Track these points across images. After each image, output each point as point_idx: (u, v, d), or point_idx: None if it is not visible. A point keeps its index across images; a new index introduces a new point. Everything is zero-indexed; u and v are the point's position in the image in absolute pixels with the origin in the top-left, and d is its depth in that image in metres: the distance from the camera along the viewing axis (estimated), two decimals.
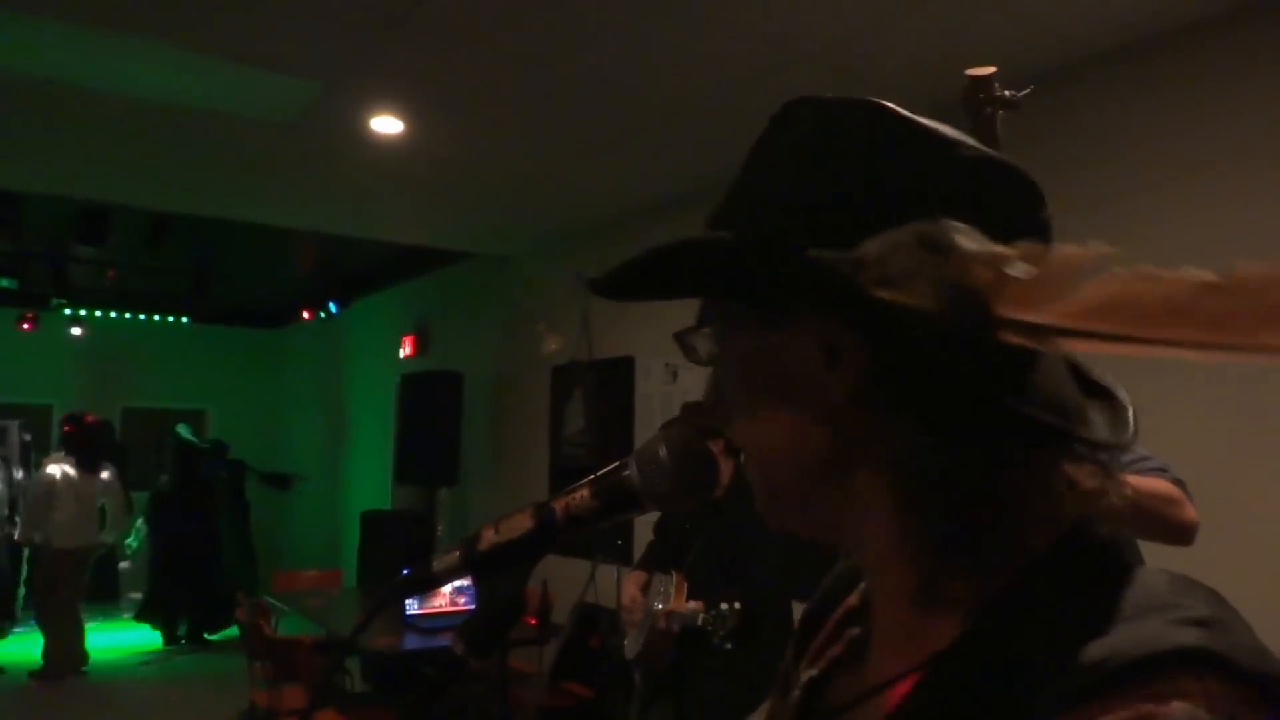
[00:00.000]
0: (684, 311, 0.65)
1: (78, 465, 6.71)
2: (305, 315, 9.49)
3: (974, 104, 1.42)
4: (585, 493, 0.62)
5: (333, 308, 9.05)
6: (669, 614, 2.65)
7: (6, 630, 7.10)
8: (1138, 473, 1.67)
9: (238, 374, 10.93)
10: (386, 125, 3.98)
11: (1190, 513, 1.67)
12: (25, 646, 6.80)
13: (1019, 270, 0.47)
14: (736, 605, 2.34)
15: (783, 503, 0.60)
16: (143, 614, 8.03)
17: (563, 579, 4.36)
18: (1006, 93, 1.41)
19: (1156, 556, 1.33)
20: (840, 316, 0.53)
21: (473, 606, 0.64)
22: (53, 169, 4.88)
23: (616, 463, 0.62)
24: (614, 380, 5.38)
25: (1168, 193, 2.91)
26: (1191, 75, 2.88)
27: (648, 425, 5.10)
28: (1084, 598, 0.48)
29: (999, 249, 0.48)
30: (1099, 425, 0.55)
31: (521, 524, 0.62)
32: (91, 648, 6.98)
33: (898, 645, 0.55)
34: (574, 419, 5.78)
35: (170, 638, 7.77)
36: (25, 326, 9.21)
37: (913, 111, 0.56)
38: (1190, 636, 0.43)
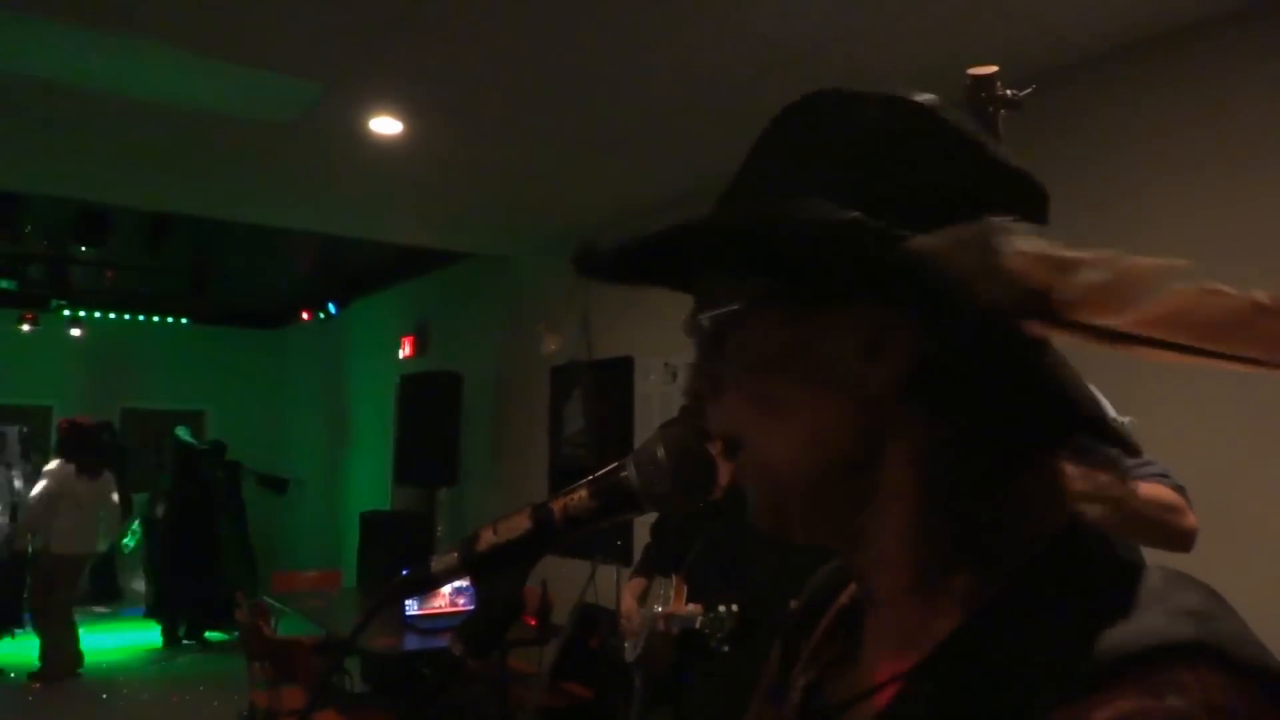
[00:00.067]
0: (684, 311, 0.64)
1: (78, 470, 6.70)
2: (305, 316, 9.50)
3: (976, 103, 1.42)
4: (583, 493, 0.61)
5: (332, 308, 9.06)
6: (668, 617, 2.65)
7: (12, 632, 7.10)
8: (1138, 478, 1.66)
9: (237, 375, 10.93)
10: (386, 126, 3.98)
11: (1190, 520, 1.66)
12: (26, 649, 6.80)
13: (1092, 275, 0.47)
14: (734, 608, 2.34)
15: (791, 504, 0.58)
16: (152, 613, 8.03)
17: (562, 579, 4.36)
18: (1008, 92, 1.41)
19: (1156, 555, 1.33)
20: (897, 305, 0.52)
21: (472, 607, 0.63)
22: (53, 170, 4.88)
23: (615, 463, 0.62)
24: (613, 380, 5.38)
25: (1167, 193, 2.91)
26: (1191, 75, 2.88)
27: (647, 426, 5.10)
28: (1080, 594, 0.48)
29: (1069, 252, 0.48)
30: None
31: (520, 525, 0.62)
32: (91, 648, 6.98)
33: (897, 644, 0.55)
34: (573, 419, 5.78)
35: (170, 638, 7.78)
36: (25, 327, 9.22)
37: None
38: (1185, 629, 0.44)
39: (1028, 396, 0.51)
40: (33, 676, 6.52)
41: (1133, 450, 0.55)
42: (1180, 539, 1.65)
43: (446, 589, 4.50)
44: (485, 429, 6.77)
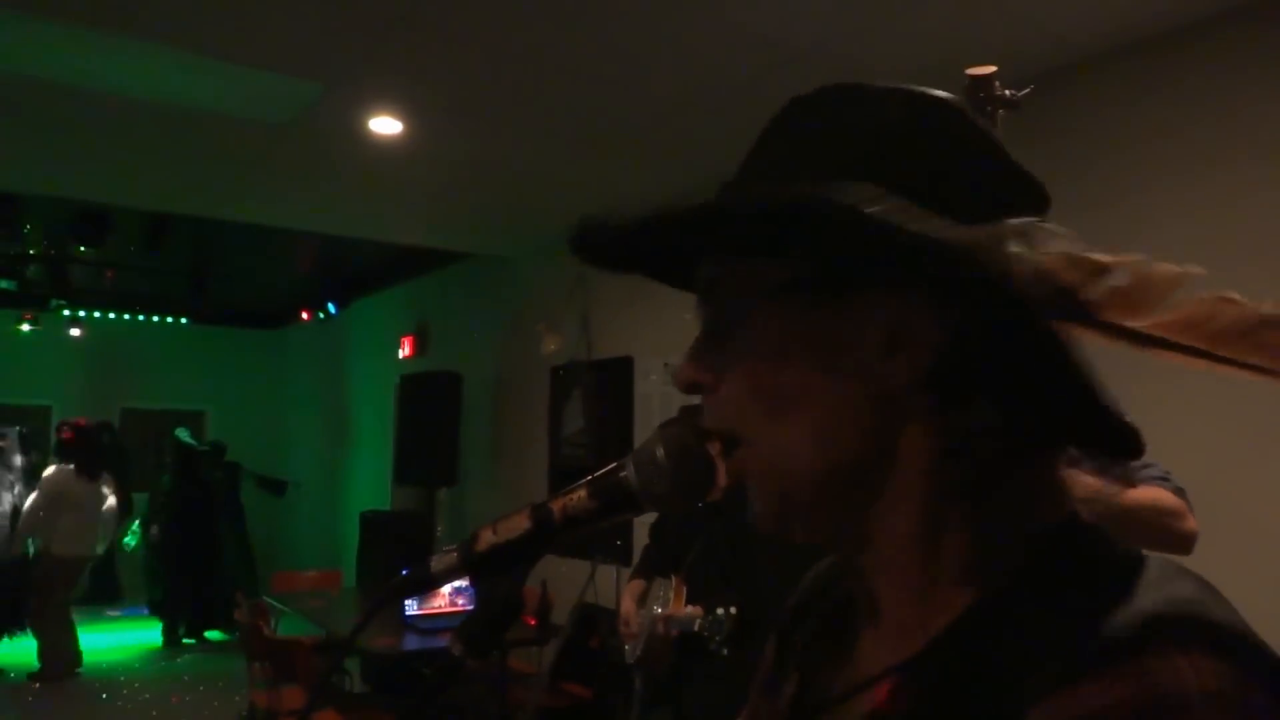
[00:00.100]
0: (684, 311, 0.64)
1: (77, 472, 6.70)
2: (304, 316, 9.49)
3: (975, 103, 1.42)
4: (583, 493, 0.61)
5: (332, 308, 9.06)
6: (667, 619, 2.65)
7: (12, 633, 7.10)
8: (1139, 481, 1.66)
9: (237, 375, 10.94)
10: (386, 126, 3.98)
11: (1190, 524, 1.66)
12: (25, 649, 6.80)
13: (1121, 278, 0.49)
14: (732, 611, 2.34)
15: (798, 504, 0.56)
16: (156, 609, 8.03)
17: (562, 579, 4.36)
18: (1007, 92, 1.41)
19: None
20: (925, 296, 0.51)
21: (471, 607, 0.63)
22: (52, 170, 4.88)
23: (614, 463, 0.62)
24: (613, 381, 5.38)
25: (1168, 193, 2.91)
26: (1191, 75, 2.88)
27: (647, 426, 5.10)
28: (1077, 585, 0.49)
29: (1102, 256, 0.50)
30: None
31: (519, 525, 0.62)
32: (91, 648, 6.99)
33: (894, 638, 0.55)
34: (573, 419, 5.78)
35: (170, 638, 7.78)
36: (25, 327, 9.22)
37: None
38: (1177, 614, 0.44)
39: (1058, 393, 0.51)
40: (32, 677, 6.52)
41: (1138, 451, 0.55)
42: (1179, 543, 1.65)
43: (446, 589, 4.50)
44: (485, 429, 6.77)
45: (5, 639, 6.93)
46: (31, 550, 6.59)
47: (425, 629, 4.45)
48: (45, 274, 8.24)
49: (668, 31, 3.06)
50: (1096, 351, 0.51)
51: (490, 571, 0.62)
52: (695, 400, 0.61)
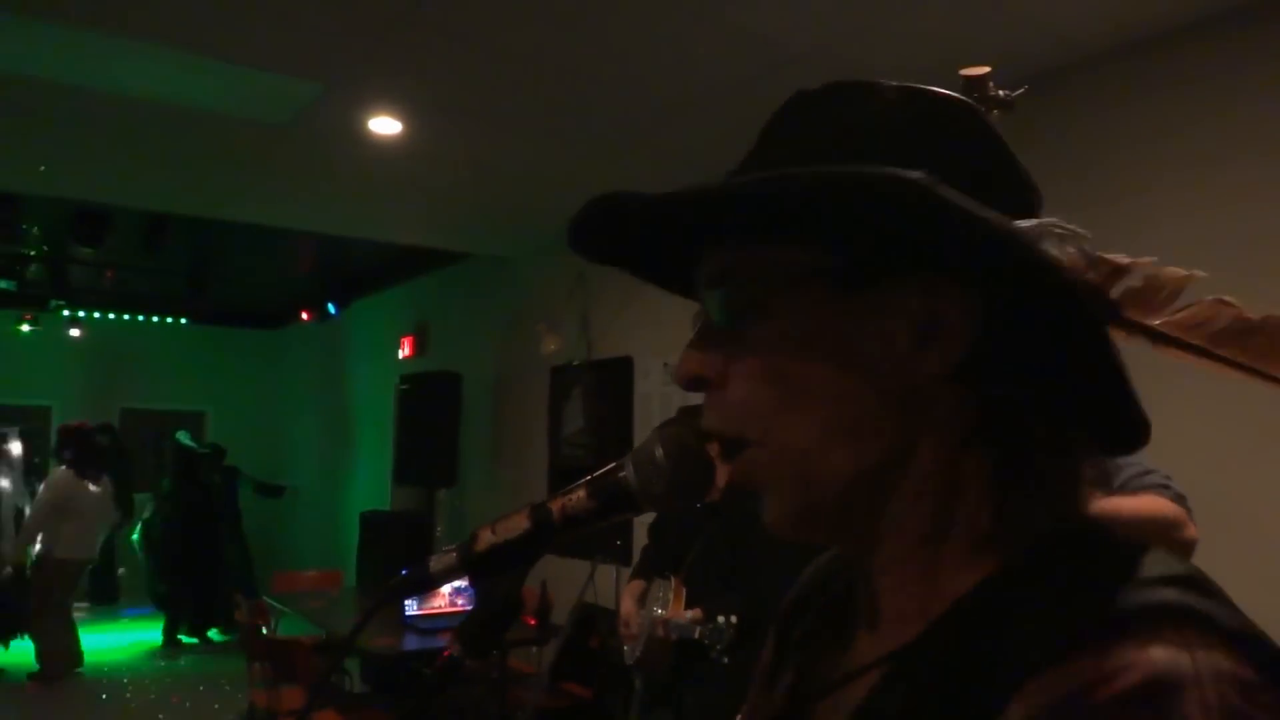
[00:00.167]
0: (684, 311, 0.63)
1: (80, 475, 6.70)
2: (304, 316, 9.49)
3: None
4: (582, 493, 0.61)
5: (332, 309, 9.05)
6: (666, 622, 2.65)
7: (19, 635, 7.10)
8: (1139, 489, 1.65)
9: (237, 375, 10.93)
10: (386, 126, 3.98)
11: (1190, 532, 1.65)
12: (25, 650, 6.81)
13: (1135, 279, 0.52)
14: (733, 620, 2.33)
15: (824, 505, 0.54)
16: (160, 604, 8.02)
17: (562, 579, 4.36)
18: (1001, 92, 1.41)
19: None
20: (962, 285, 0.50)
21: (471, 607, 0.63)
22: (52, 170, 4.88)
23: (613, 463, 0.62)
24: (613, 381, 5.38)
25: (1168, 192, 2.91)
26: (1191, 75, 2.88)
27: (646, 426, 5.09)
28: (1074, 572, 0.49)
29: (1120, 258, 0.52)
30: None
31: (518, 525, 0.61)
32: (91, 648, 6.98)
33: (894, 629, 0.55)
34: (573, 419, 5.78)
35: (170, 638, 7.78)
36: (24, 327, 9.21)
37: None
38: (1170, 594, 0.45)
39: (1094, 381, 0.52)
40: (31, 677, 6.52)
41: (1145, 441, 0.55)
42: (1180, 552, 1.64)
43: (446, 589, 4.50)
44: (485, 429, 6.77)
45: (11, 642, 6.93)
46: (33, 554, 6.60)
47: (425, 629, 4.45)
48: (45, 274, 8.24)
49: (667, 32, 3.06)
50: None
51: (489, 571, 0.62)
52: (694, 400, 0.60)
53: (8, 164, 4.79)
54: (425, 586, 0.65)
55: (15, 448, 8.09)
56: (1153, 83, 2.98)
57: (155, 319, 10.33)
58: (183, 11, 3.00)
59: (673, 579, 2.79)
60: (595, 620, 4.49)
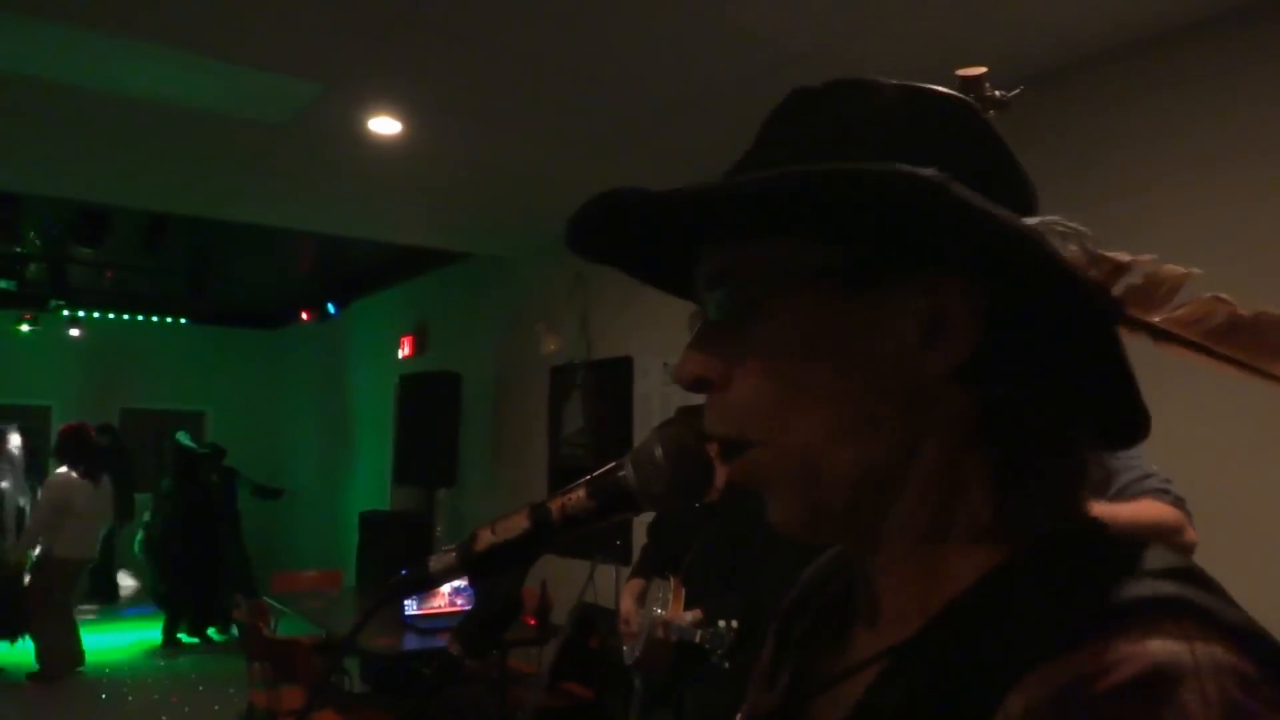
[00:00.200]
0: (684, 311, 0.63)
1: (81, 476, 6.70)
2: (304, 316, 9.49)
3: None
4: (581, 493, 0.61)
5: (331, 309, 9.05)
6: (666, 624, 2.64)
7: (22, 635, 7.10)
8: (1138, 494, 1.65)
9: (236, 375, 10.93)
10: (385, 126, 3.98)
11: (1189, 537, 1.65)
12: (25, 649, 6.80)
13: (1136, 276, 0.53)
14: (734, 624, 2.33)
15: (833, 504, 0.54)
16: (161, 603, 8.02)
17: (562, 579, 4.36)
18: (997, 93, 1.41)
19: None
20: (970, 282, 0.50)
21: (470, 607, 0.63)
22: (51, 170, 4.88)
23: (613, 463, 0.62)
24: (612, 380, 5.38)
25: (1167, 192, 2.91)
26: (1191, 75, 2.88)
27: (646, 425, 5.09)
28: (1073, 568, 0.49)
29: (1122, 255, 0.53)
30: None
31: (518, 524, 0.61)
32: (91, 648, 6.98)
33: (894, 626, 0.55)
34: (572, 419, 5.78)
35: (170, 638, 7.78)
36: (24, 327, 9.22)
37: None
38: (1169, 587, 0.45)
39: (1099, 376, 0.52)
40: (31, 677, 6.51)
41: (1146, 434, 0.56)
42: None
43: (445, 589, 4.50)
44: (484, 429, 6.77)
45: (17, 641, 6.93)
46: (33, 555, 6.60)
47: (425, 629, 4.44)
48: (45, 274, 8.24)
49: (668, 32, 3.06)
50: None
51: (489, 571, 0.62)
52: (693, 401, 0.60)
53: (8, 164, 4.79)
54: (425, 586, 0.65)
55: (15, 444, 8.07)
56: (1153, 83, 2.98)
57: (155, 319, 10.33)
58: (183, 11, 3.00)
59: (671, 579, 2.79)
60: (595, 620, 4.49)
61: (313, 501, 9.85)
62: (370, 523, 7.01)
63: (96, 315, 9.87)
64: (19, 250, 7.50)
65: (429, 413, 6.84)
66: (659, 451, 0.60)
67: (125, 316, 10.15)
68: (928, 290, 0.51)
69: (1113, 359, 0.51)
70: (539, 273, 6.20)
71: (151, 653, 7.58)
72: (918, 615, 0.53)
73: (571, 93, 3.60)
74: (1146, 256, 0.52)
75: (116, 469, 7.43)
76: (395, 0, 2.89)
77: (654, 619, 2.76)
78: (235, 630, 6.41)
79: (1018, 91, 1.40)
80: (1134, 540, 0.50)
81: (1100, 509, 0.57)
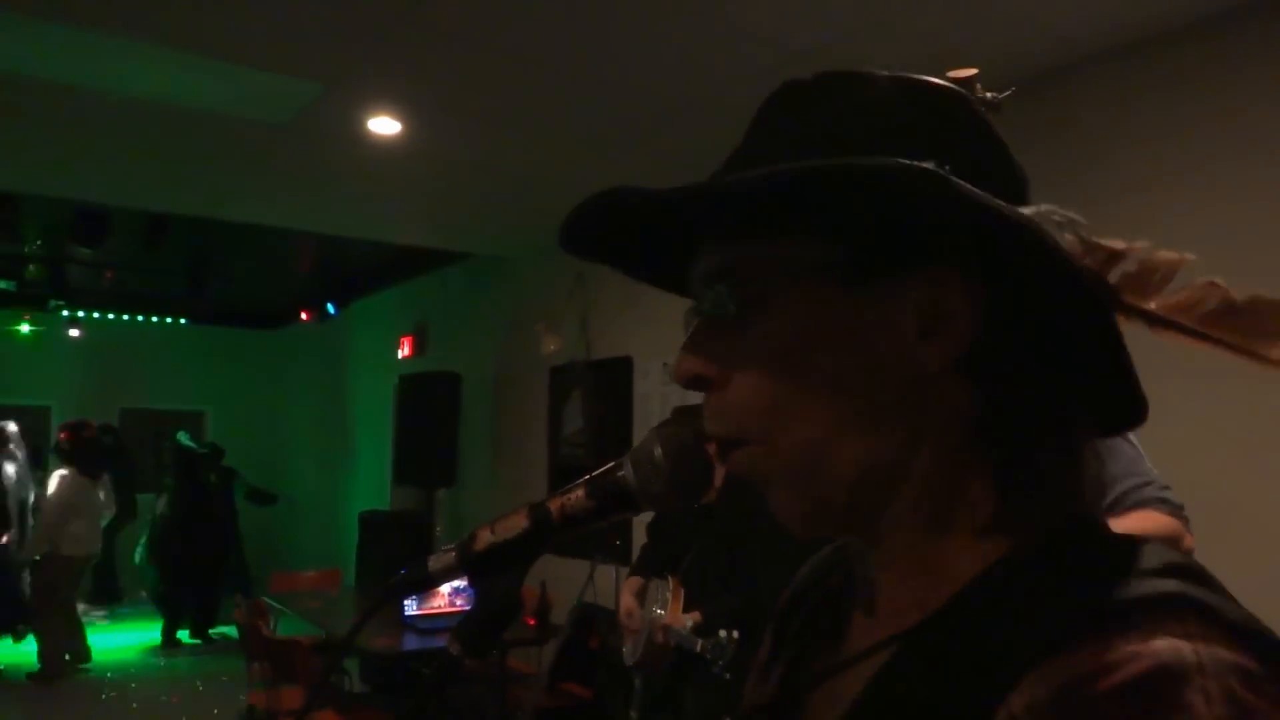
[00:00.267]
0: (684, 311, 0.63)
1: (83, 475, 6.71)
2: (304, 316, 9.49)
3: None
4: (580, 493, 0.61)
5: (331, 309, 9.05)
6: (666, 628, 2.64)
7: (23, 633, 7.10)
8: (1136, 503, 1.64)
9: (236, 375, 10.93)
10: (385, 126, 3.98)
11: (1185, 544, 1.65)
12: (25, 649, 6.81)
13: (1130, 264, 0.53)
14: (734, 635, 2.32)
15: (836, 500, 0.54)
16: (160, 602, 8.02)
17: (561, 579, 4.36)
18: (988, 94, 1.42)
19: None
20: (968, 275, 0.51)
21: (470, 607, 0.63)
22: (51, 170, 4.88)
23: (612, 463, 0.62)
24: (612, 381, 5.38)
25: (1167, 192, 2.90)
26: (1191, 75, 2.88)
27: (646, 425, 5.09)
28: (1074, 565, 0.49)
29: (1116, 243, 0.53)
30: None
31: (517, 524, 0.61)
32: (92, 647, 6.98)
33: (891, 619, 0.55)
34: (572, 419, 5.78)
35: (170, 638, 7.78)
36: (24, 328, 9.21)
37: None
38: (1170, 585, 0.45)
39: (1098, 365, 0.53)
40: (31, 677, 6.51)
41: (1142, 420, 0.57)
42: None
43: (445, 589, 4.50)
44: (484, 429, 6.77)
45: (8, 638, 6.93)
46: (39, 553, 6.61)
47: (424, 629, 4.44)
48: (44, 274, 8.24)
49: (668, 32, 3.06)
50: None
51: (488, 571, 0.62)
52: (691, 401, 0.60)
53: (8, 164, 4.79)
54: (424, 586, 0.65)
55: (12, 431, 8.02)
56: (1153, 83, 2.98)
57: (155, 319, 10.33)
58: (183, 12, 3.00)
59: (670, 580, 2.78)
60: (595, 620, 4.49)
61: (312, 501, 9.85)
62: (370, 523, 7.01)
63: (96, 315, 9.87)
64: (19, 250, 7.50)
65: (428, 413, 6.83)
66: (658, 451, 0.60)
67: (125, 316, 10.15)
68: (927, 283, 0.51)
69: (1110, 346, 0.51)
70: (539, 273, 6.19)
71: (151, 652, 7.58)
72: (917, 610, 0.52)
73: (571, 93, 3.60)
74: (1140, 243, 0.53)
75: (117, 469, 7.42)
76: (395, 0, 2.89)
77: (653, 621, 2.76)
78: (235, 630, 6.41)
79: (1009, 93, 1.41)
80: (1133, 539, 0.50)
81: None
